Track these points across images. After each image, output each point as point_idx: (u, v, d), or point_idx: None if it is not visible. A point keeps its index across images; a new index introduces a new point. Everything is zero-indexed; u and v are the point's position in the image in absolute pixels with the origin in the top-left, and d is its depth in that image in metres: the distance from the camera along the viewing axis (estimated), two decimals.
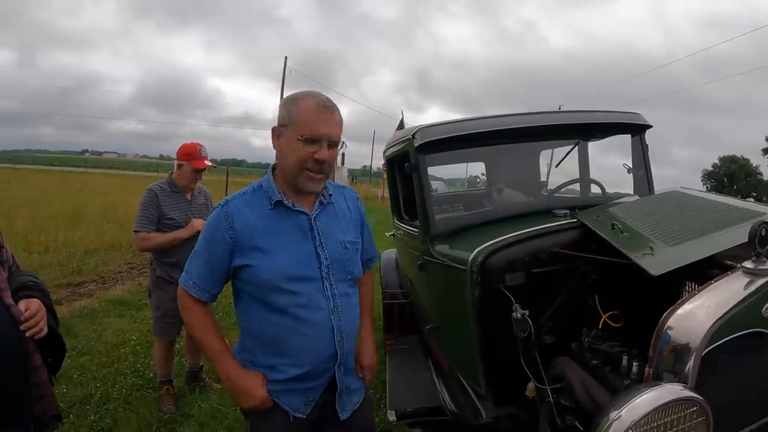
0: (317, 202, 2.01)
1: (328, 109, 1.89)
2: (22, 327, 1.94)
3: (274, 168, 2.02)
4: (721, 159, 66.08)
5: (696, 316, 1.61)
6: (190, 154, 4.07)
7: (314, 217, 1.98)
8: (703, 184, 62.98)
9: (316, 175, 1.90)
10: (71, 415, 3.95)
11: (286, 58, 34.19)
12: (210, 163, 4.18)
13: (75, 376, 4.65)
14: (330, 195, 2.06)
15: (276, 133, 1.93)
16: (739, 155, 64.65)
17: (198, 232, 3.88)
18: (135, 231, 3.95)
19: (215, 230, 1.92)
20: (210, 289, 1.98)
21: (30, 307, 1.97)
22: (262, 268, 1.88)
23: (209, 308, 2.07)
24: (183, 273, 2.01)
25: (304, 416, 1.99)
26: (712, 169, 66.25)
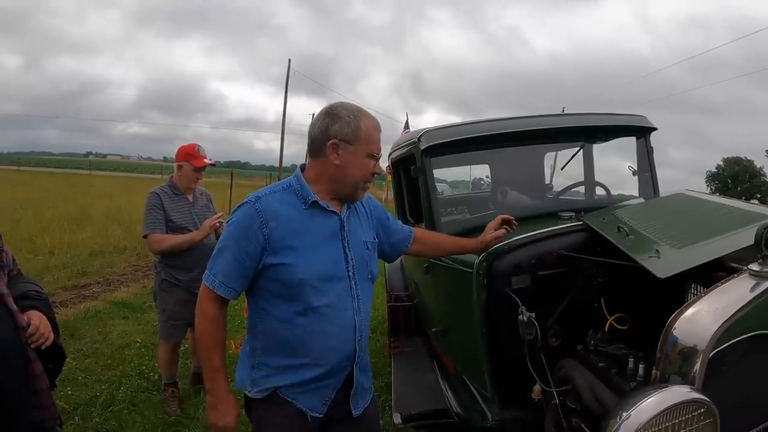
0: (345, 205, 2.06)
1: (380, 128, 2.05)
2: (29, 341, 1.96)
3: (302, 168, 2.06)
4: (725, 160, 65.86)
5: (703, 318, 1.61)
6: (189, 154, 4.09)
7: (344, 219, 2.03)
8: (707, 185, 62.77)
9: (368, 186, 2.05)
10: (76, 417, 3.97)
11: (290, 60, 34.33)
12: (209, 161, 4.20)
13: (80, 378, 4.67)
14: None
15: (335, 147, 1.95)
16: (743, 156, 64.45)
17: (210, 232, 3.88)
18: (145, 235, 3.93)
19: (247, 227, 1.90)
20: (237, 287, 1.95)
21: (32, 320, 2.00)
22: (298, 267, 1.89)
23: (226, 309, 2.03)
24: (207, 271, 1.98)
25: (322, 415, 2.00)
26: (715, 170, 66.05)
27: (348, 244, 2.01)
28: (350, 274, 1.99)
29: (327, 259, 1.94)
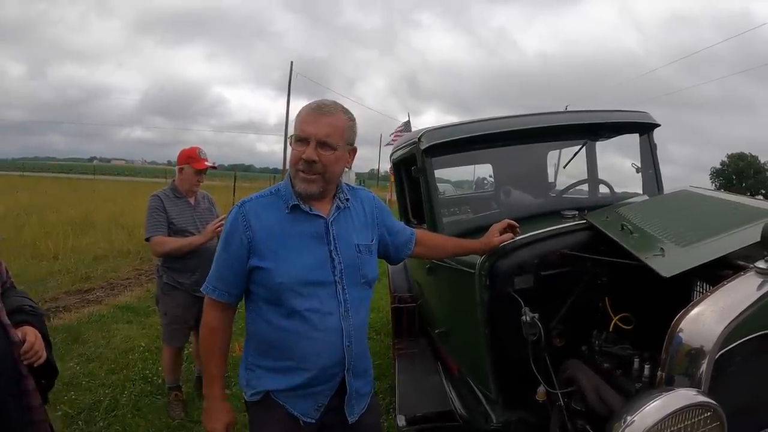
0: (334, 206, 2.01)
1: (319, 110, 1.91)
2: (23, 358, 1.94)
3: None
4: (729, 156, 65.88)
5: (708, 318, 1.58)
6: (190, 156, 4.09)
7: (331, 221, 1.98)
8: (712, 181, 62.81)
9: (307, 175, 1.90)
10: (80, 422, 3.96)
11: (292, 63, 34.42)
12: (210, 164, 4.19)
13: (84, 382, 4.66)
14: (347, 200, 2.06)
15: (290, 142, 1.96)
16: (747, 152, 64.49)
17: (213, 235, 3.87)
18: (148, 237, 3.93)
19: (233, 231, 1.93)
20: (230, 290, 1.99)
21: (27, 337, 1.98)
22: (276, 271, 1.88)
23: (230, 315, 2.08)
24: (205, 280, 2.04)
25: (314, 421, 1.98)
26: (720, 166, 66.03)
27: (335, 247, 1.96)
28: (336, 278, 1.94)
29: (308, 263, 1.91)
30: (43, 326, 2.17)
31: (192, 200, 4.15)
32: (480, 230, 2.65)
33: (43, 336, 2.09)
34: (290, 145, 1.96)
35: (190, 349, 4.79)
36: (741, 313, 1.55)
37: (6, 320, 1.95)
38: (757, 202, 2.41)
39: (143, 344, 5.74)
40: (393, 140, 19.60)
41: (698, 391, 1.52)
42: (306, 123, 1.89)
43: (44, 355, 2.04)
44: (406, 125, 17.59)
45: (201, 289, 2.06)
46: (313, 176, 1.89)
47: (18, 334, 1.96)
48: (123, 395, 4.43)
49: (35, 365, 2.00)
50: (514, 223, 2.52)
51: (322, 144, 1.87)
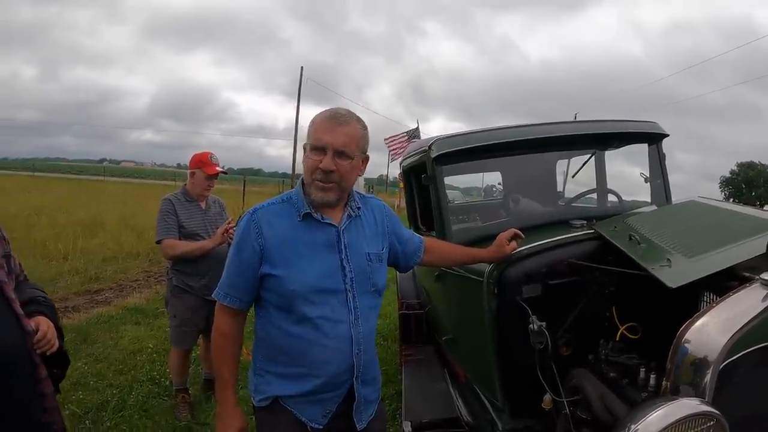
0: (345, 215, 2.02)
1: (335, 119, 1.91)
2: (36, 347, 1.98)
3: (304, 181, 2.02)
4: (739, 165, 65.62)
5: (713, 328, 1.59)
6: (202, 161, 4.12)
7: (342, 230, 1.99)
8: (721, 190, 62.57)
9: (324, 184, 1.90)
10: (87, 422, 3.99)
11: (302, 68, 34.48)
12: (221, 169, 4.23)
13: (91, 382, 4.69)
14: (358, 208, 2.06)
15: (304, 150, 1.95)
16: (757, 161, 64.23)
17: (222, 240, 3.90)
18: (159, 240, 3.96)
19: (245, 238, 1.94)
20: (242, 296, 1.99)
21: (40, 326, 2.02)
22: (288, 278, 1.89)
23: (241, 321, 2.09)
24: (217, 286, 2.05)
25: (322, 427, 1.99)
26: (729, 175, 65.75)
27: (346, 256, 1.97)
28: (347, 286, 1.95)
29: (319, 271, 1.92)
30: (55, 316, 2.22)
31: (203, 204, 4.18)
32: (489, 238, 2.66)
33: (55, 326, 2.14)
34: (305, 152, 1.95)
35: (198, 352, 4.82)
36: (745, 324, 1.56)
37: (19, 311, 1.99)
38: (764, 213, 2.41)
39: (151, 346, 5.77)
40: (390, 147, 19.52)
41: (701, 401, 1.53)
42: (322, 132, 1.89)
43: (56, 343, 2.09)
44: (412, 132, 17.59)
45: (212, 296, 2.07)
46: (329, 185, 1.90)
47: (31, 323, 2.00)
48: (130, 396, 4.46)
49: (48, 354, 2.05)
50: (519, 232, 2.53)
51: (339, 153, 1.87)
